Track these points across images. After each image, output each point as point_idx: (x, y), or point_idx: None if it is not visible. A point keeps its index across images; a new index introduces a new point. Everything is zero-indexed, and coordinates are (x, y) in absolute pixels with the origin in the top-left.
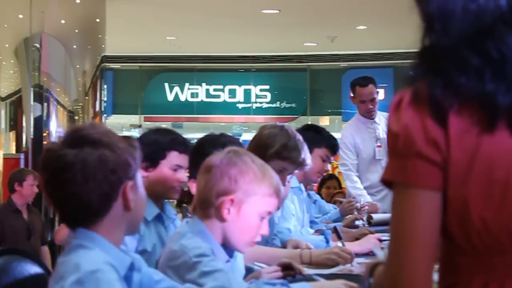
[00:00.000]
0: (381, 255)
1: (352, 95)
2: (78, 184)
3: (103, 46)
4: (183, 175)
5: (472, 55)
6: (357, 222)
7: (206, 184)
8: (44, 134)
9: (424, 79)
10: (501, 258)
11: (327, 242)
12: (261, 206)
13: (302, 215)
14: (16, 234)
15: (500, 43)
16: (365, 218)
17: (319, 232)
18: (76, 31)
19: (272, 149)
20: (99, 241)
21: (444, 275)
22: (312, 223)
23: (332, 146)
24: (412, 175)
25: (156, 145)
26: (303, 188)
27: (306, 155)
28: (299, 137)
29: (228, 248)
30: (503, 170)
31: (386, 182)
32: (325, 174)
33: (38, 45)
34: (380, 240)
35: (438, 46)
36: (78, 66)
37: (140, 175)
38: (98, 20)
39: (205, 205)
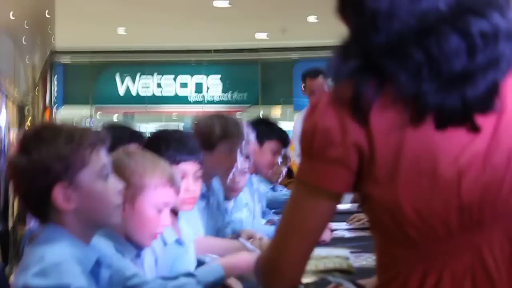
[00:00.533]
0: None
1: (303, 86)
2: (17, 190)
3: (52, 39)
4: None
5: (415, 51)
6: None
7: None
8: None
9: (349, 78)
10: (437, 246)
11: None
12: (155, 198)
13: (253, 206)
14: None
15: (442, 39)
16: None
17: (270, 222)
18: (25, 24)
19: (216, 134)
20: (65, 235)
21: (383, 268)
22: (264, 214)
23: (283, 139)
24: (320, 179)
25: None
26: (254, 179)
27: (247, 129)
28: (233, 116)
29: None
30: (429, 161)
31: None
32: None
33: None
34: (331, 230)
35: (377, 42)
36: (27, 60)
37: (95, 170)
38: (47, 13)
39: None
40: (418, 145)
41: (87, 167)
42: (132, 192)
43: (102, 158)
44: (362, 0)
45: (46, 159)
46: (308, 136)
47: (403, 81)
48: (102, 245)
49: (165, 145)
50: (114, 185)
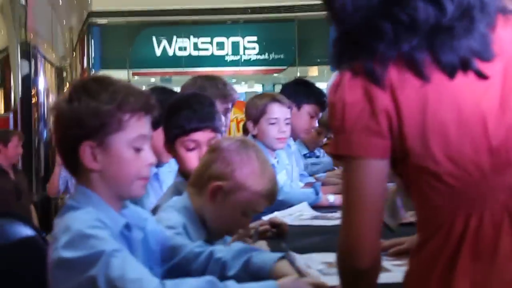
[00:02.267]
0: None
1: None
2: (54, 136)
3: (89, 1)
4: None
5: (383, 22)
6: None
7: (206, 163)
8: (33, 92)
9: (355, 56)
10: (474, 189)
11: (317, 194)
12: (247, 204)
13: (291, 169)
14: (5, 195)
15: (407, 7)
16: None
17: (309, 185)
18: None
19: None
20: (93, 198)
21: (426, 222)
22: (302, 176)
23: (321, 102)
24: (359, 149)
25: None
26: (291, 142)
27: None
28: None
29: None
30: (453, 110)
31: (336, 155)
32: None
33: (24, 2)
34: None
35: (349, 20)
36: (64, 22)
37: (128, 136)
38: None
39: (199, 183)
40: (439, 96)
41: (122, 132)
42: (230, 186)
43: (140, 127)
44: None
45: (83, 111)
46: (339, 111)
47: (382, 50)
48: (173, 217)
49: (176, 114)
50: (146, 157)
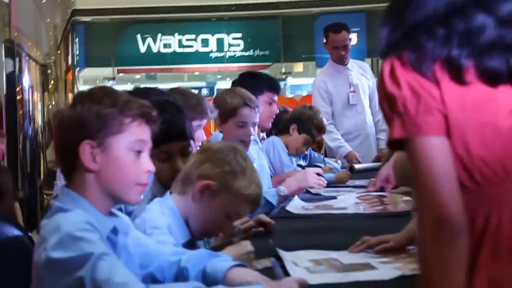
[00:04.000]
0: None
1: (324, 41)
2: (55, 141)
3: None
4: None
5: (439, 27)
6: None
7: (196, 162)
8: (17, 90)
9: (401, 47)
10: (497, 189)
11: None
12: (232, 207)
13: (260, 166)
14: None
15: (466, 17)
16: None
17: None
18: None
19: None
20: (80, 202)
21: None
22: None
23: (272, 86)
24: (425, 128)
25: None
26: (257, 138)
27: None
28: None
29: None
30: (491, 113)
31: (394, 142)
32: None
33: (7, 0)
34: (319, 174)
35: (411, 18)
36: (48, 20)
37: (126, 140)
38: None
39: (186, 181)
40: (478, 99)
41: (122, 134)
42: (217, 188)
43: (141, 132)
44: None
45: (86, 114)
46: (399, 97)
47: (430, 48)
48: (157, 218)
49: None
50: (144, 164)
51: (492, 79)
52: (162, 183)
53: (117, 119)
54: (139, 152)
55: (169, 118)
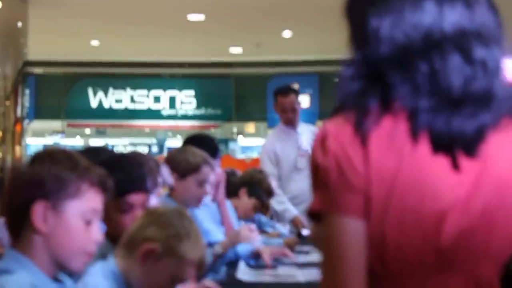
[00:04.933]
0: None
1: (274, 104)
2: (7, 197)
3: (25, 50)
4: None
5: (421, 62)
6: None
7: (141, 225)
8: None
9: (354, 103)
10: (411, 280)
11: None
12: (177, 270)
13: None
14: None
15: (446, 56)
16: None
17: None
18: None
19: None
20: (25, 264)
21: None
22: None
23: (214, 155)
24: (343, 207)
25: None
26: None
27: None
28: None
29: None
30: (416, 199)
31: (313, 213)
32: None
33: None
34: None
35: (381, 53)
36: None
37: (81, 205)
38: (20, 24)
39: (130, 245)
40: (408, 181)
41: (78, 200)
42: (161, 251)
43: (96, 201)
44: (365, 15)
45: (44, 173)
46: (323, 168)
47: (403, 94)
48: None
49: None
50: (94, 234)
51: (433, 142)
52: (114, 239)
53: (75, 183)
54: (90, 221)
55: (130, 170)
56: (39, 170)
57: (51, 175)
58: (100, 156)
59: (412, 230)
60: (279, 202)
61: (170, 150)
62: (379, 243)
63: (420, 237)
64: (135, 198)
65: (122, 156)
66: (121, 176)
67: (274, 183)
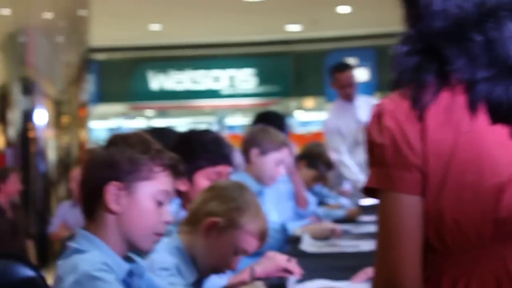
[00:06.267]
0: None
1: (332, 80)
2: (81, 178)
3: (87, 37)
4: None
5: (476, 34)
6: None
7: (203, 200)
8: (31, 127)
9: (413, 74)
10: (469, 255)
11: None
12: (239, 242)
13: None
14: (1, 235)
15: (502, 25)
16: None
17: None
18: (61, 23)
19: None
20: (97, 243)
21: None
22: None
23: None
24: (399, 184)
25: None
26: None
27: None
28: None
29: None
30: (475, 174)
31: (369, 189)
32: None
33: (23, 39)
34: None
35: (435, 28)
36: (63, 58)
37: (153, 187)
38: (82, 12)
39: (194, 220)
40: (466, 156)
41: (150, 182)
42: (224, 224)
43: (168, 183)
44: None
45: (118, 155)
46: (379, 145)
47: (460, 67)
48: (166, 259)
49: (202, 147)
50: (164, 215)
51: (492, 112)
52: None
53: (148, 165)
54: (161, 203)
55: (220, 142)
56: (114, 152)
57: (125, 157)
58: (164, 136)
59: (470, 204)
60: (351, 172)
61: (252, 127)
62: (436, 218)
63: (478, 211)
64: (224, 169)
65: (206, 131)
66: (214, 147)
67: (344, 156)
